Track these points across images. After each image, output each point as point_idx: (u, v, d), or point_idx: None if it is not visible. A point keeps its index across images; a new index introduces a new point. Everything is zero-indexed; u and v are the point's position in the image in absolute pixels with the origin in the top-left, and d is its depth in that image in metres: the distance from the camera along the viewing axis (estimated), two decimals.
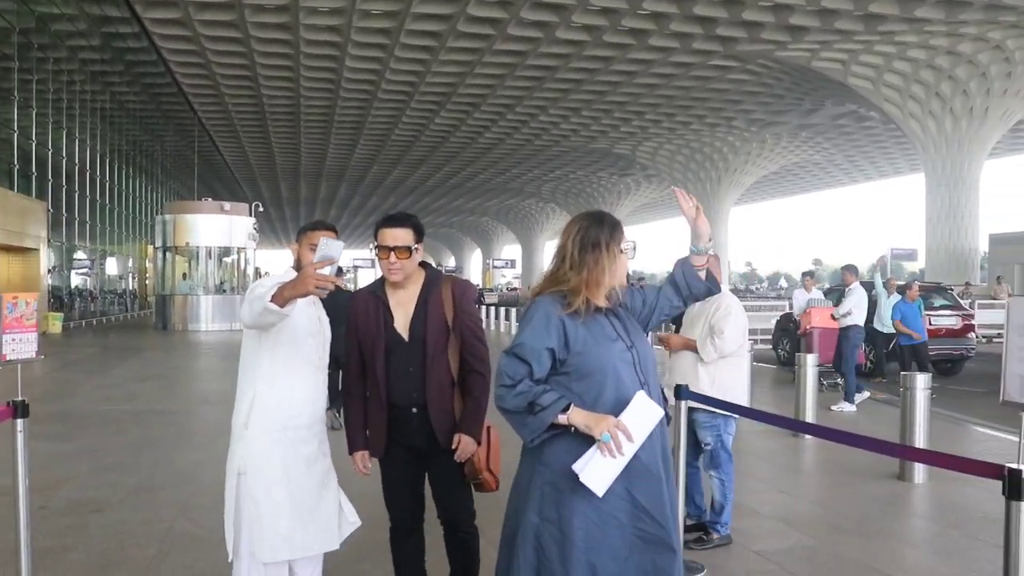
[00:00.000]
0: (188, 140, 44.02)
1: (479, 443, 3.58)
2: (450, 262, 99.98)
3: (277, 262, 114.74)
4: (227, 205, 31.36)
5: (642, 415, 2.73)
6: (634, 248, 2.95)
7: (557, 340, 2.79)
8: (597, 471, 2.66)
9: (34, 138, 27.34)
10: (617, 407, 2.72)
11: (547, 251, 77.01)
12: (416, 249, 3.55)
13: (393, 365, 3.55)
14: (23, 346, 4.31)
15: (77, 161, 32.33)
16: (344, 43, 28.31)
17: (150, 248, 40.24)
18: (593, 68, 31.22)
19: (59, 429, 9.12)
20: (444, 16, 26.01)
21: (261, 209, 35.43)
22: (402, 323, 3.57)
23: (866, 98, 31.71)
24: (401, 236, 3.50)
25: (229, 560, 3.43)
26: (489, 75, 32.24)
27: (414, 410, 3.54)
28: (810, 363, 9.43)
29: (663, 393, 3.10)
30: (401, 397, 3.55)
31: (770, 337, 18.59)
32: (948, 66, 29.26)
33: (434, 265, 4.04)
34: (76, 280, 35.90)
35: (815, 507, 6.43)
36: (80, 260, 35.75)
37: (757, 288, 66.39)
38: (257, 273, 32.81)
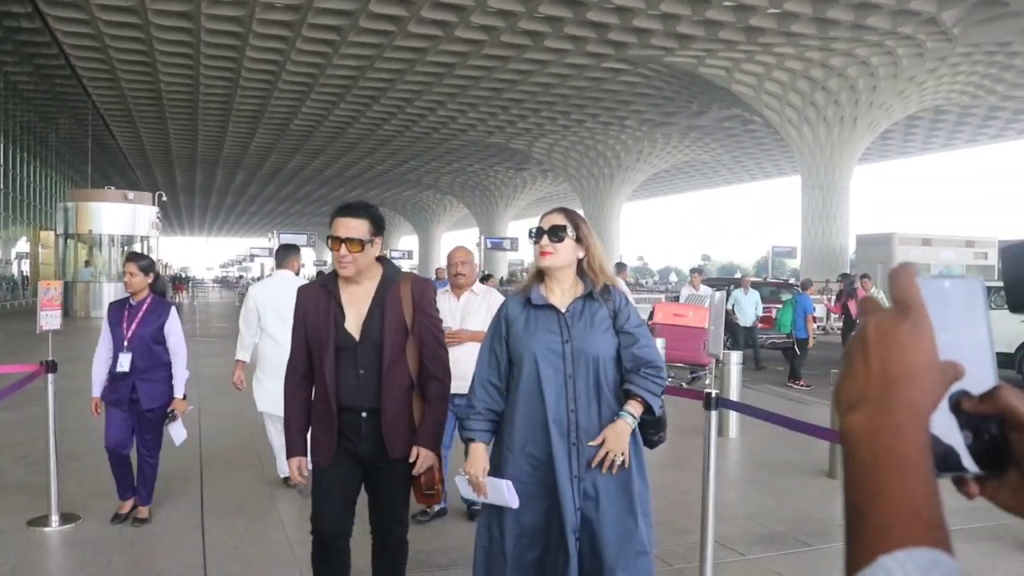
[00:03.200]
0: (83, 125, 43.29)
1: (438, 455, 3.39)
2: None
3: (177, 252, 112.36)
4: (131, 194, 31.42)
5: (499, 493, 3.04)
6: (537, 229, 3.16)
7: (504, 328, 3.19)
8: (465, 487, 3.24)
9: None
10: (539, 393, 3.03)
11: (444, 242, 77.95)
12: (373, 243, 3.33)
13: (342, 367, 3.31)
14: (52, 320, 5.36)
15: None
16: (245, 33, 28.62)
17: (43, 234, 39.63)
18: (491, 66, 32.30)
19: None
20: (346, 11, 26.68)
21: (165, 198, 35.40)
22: (354, 322, 3.33)
23: (748, 104, 33.64)
24: (355, 227, 3.27)
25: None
26: (389, 70, 32.97)
27: (363, 414, 3.33)
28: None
29: (628, 397, 3.15)
30: (349, 400, 3.32)
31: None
32: (822, 77, 31.36)
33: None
34: None
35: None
36: None
37: (647, 282, 68.40)
38: (165, 267, 32.92)
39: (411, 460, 3.32)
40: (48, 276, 40.09)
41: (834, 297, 19.07)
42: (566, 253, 3.13)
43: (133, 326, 5.54)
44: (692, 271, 15.97)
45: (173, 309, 5.72)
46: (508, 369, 3.15)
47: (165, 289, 6.01)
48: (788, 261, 57.23)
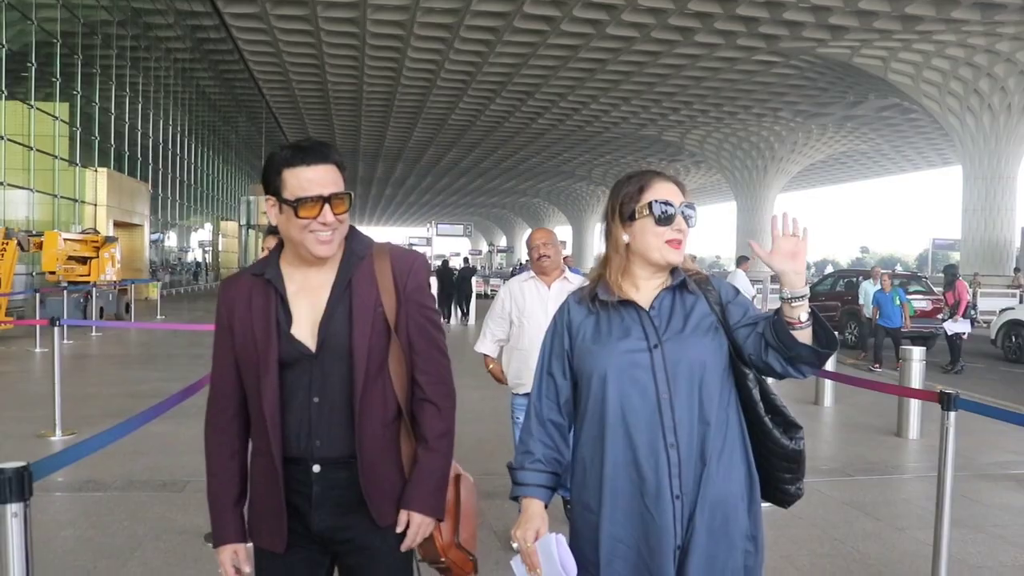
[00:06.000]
0: (257, 125, 46.61)
1: (440, 518, 2.20)
2: (501, 241, 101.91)
3: None
4: None
5: (550, 560, 2.07)
6: (667, 207, 2.13)
7: (560, 345, 2.25)
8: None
9: (139, 127, 30.12)
10: (624, 424, 2.08)
11: (597, 232, 78.52)
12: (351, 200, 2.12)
13: (291, 393, 2.07)
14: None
15: (169, 146, 35.09)
16: (407, 36, 30.23)
17: (226, 224, 42.97)
18: (642, 61, 32.75)
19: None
20: (501, 13, 27.78)
21: None
22: (307, 323, 2.09)
23: (906, 94, 32.76)
24: (332, 177, 2.05)
25: None
26: (543, 66, 33.93)
27: (315, 468, 2.07)
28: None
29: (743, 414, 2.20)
30: (299, 446, 2.07)
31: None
32: (986, 64, 30.21)
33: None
34: (163, 253, 38.66)
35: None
36: (165, 235, 38.50)
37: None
38: None
39: (399, 530, 2.12)
40: (230, 263, 43.52)
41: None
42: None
43: None
44: (739, 259, 15.87)
45: None
46: (574, 397, 2.25)
47: None
48: (951, 254, 54.88)
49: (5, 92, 20.86)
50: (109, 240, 21.10)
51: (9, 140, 21.15)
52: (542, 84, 36.90)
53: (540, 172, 66.57)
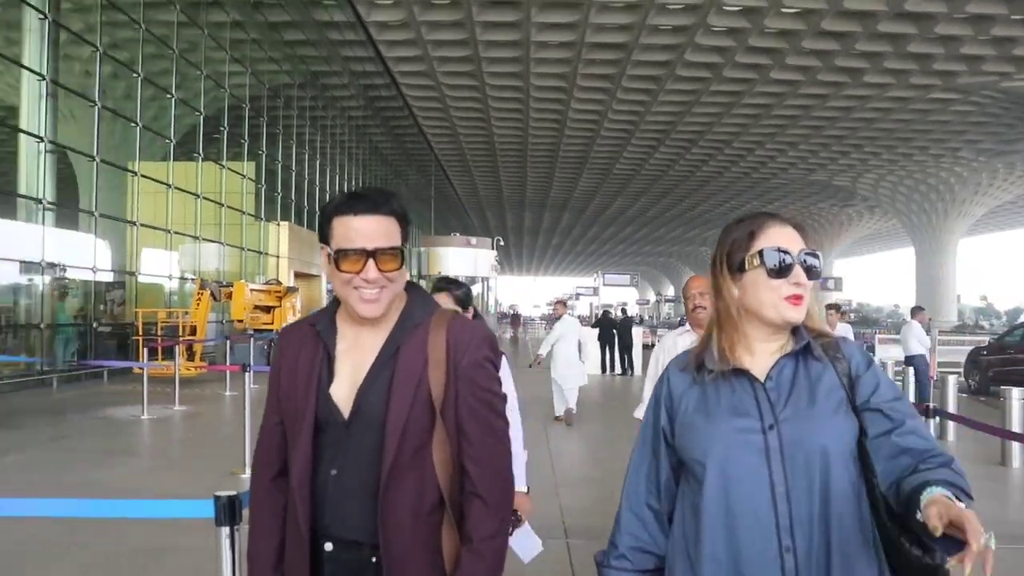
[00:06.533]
0: (426, 177, 48.35)
1: None
2: (669, 291, 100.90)
3: (513, 289, 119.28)
4: (473, 240, 35.21)
5: None
6: (783, 256, 1.78)
7: (658, 420, 1.91)
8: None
9: (316, 182, 32.11)
10: (728, 520, 1.72)
11: None
12: (403, 257, 1.91)
13: (317, 459, 1.87)
14: None
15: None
16: (570, 87, 30.81)
17: None
18: (808, 104, 32.06)
19: None
20: (663, 63, 27.92)
21: (502, 243, 38.81)
22: (346, 386, 1.88)
23: None
24: (384, 230, 1.85)
25: None
26: (707, 113, 33.76)
27: (327, 547, 1.87)
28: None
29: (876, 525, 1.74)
30: (317, 519, 1.86)
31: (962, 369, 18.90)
32: None
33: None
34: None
35: None
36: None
37: (992, 324, 60.67)
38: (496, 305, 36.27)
39: None
40: None
41: None
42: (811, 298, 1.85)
43: None
44: (914, 309, 15.22)
45: (504, 359, 3.35)
46: (675, 482, 1.89)
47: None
48: None
49: (201, 154, 22.62)
50: (291, 290, 22.39)
51: (204, 198, 22.87)
52: (706, 131, 36.68)
53: (706, 219, 65.78)
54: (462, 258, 33.96)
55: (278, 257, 27.23)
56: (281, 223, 27.65)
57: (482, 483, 1.84)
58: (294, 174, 30.27)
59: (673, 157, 42.55)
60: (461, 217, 66.47)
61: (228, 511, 2.66)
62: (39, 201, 16.03)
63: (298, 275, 28.20)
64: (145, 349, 14.34)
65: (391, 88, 33.03)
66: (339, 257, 1.83)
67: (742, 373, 1.80)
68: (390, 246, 1.83)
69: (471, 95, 32.55)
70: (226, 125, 24.34)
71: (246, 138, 25.82)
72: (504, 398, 1.96)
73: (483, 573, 1.81)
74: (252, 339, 18.06)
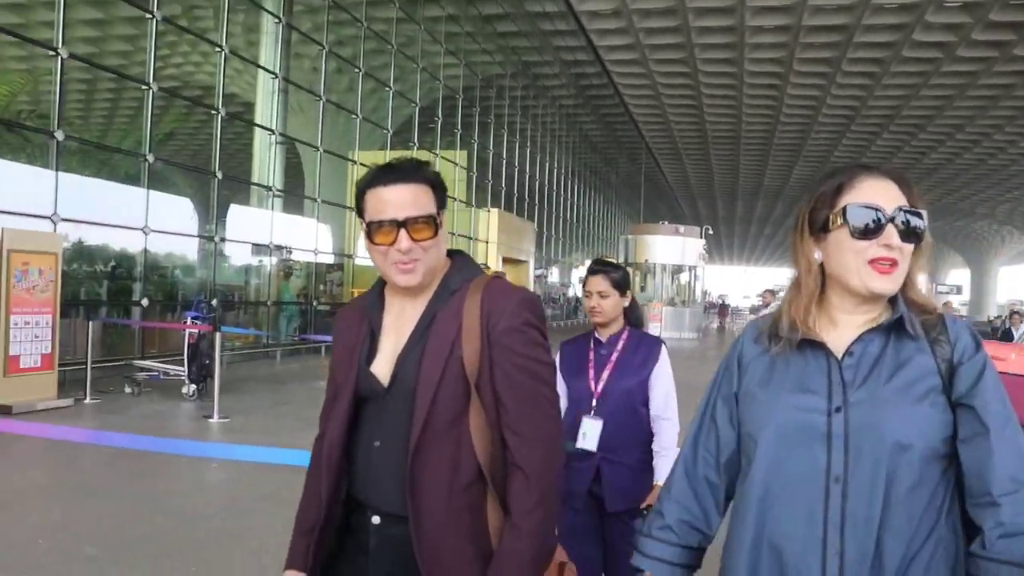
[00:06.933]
0: (636, 165, 48.21)
1: None
2: None
3: (723, 279, 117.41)
4: (682, 228, 34.82)
5: None
6: (872, 212, 1.54)
7: (728, 386, 1.73)
8: None
9: (526, 170, 32.89)
10: (771, 506, 1.53)
11: (999, 276, 71.19)
12: (439, 222, 1.86)
13: (360, 431, 1.86)
14: None
15: (553, 186, 37.73)
16: (786, 72, 29.73)
17: None
18: None
19: None
20: (887, 44, 26.40)
21: (712, 232, 38.19)
22: (388, 358, 1.86)
23: None
24: (413, 198, 1.80)
25: None
26: (937, 96, 31.62)
27: (374, 519, 1.82)
28: None
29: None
30: (362, 491, 1.84)
31: None
32: None
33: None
34: (546, 288, 41.27)
35: None
36: (548, 271, 41.08)
37: None
38: (704, 295, 35.84)
39: None
40: None
41: None
42: (908, 265, 1.58)
43: (605, 376, 3.30)
44: (1012, 312, 13.99)
45: (663, 349, 3.40)
46: (737, 455, 1.70)
47: (642, 318, 3.54)
48: None
49: (416, 144, 23.64)
50: (498, 275, 23.00)
51: None
52: (935, 115, 34.36)
53: (933, 210, 61.77)
54: (670, 246, 33.50)
55: (487, 242, 28.04)
56: (491, 209, 28.43)
57: (521, 454, 1.75)
58: (504, 162, 31.04)
59: (897, 144, 40.16)
60: (671, 205, 65.79)
61: None
62: (269, 188, 17.34)
63: (506, 260, 28.90)
64: None
65: (602, 76, 33.14)
66: (372, 229, 1.80)
67: (818, 346, 1.58)
68: (422, 214, 1.78)
69: (683, 82, 32.12)
70: (440, 115, 25.29)
71: (459, 127, 26.72)
72: (550, 365, 1.84)
73: (522, 548, 1.71)
74: None
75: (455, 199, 26.56)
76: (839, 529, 1.46)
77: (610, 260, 3.51)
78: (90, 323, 10.89)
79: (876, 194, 1.55)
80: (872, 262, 1.52)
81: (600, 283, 3.31)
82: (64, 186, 11.85)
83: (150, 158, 13.38)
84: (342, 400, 1.85)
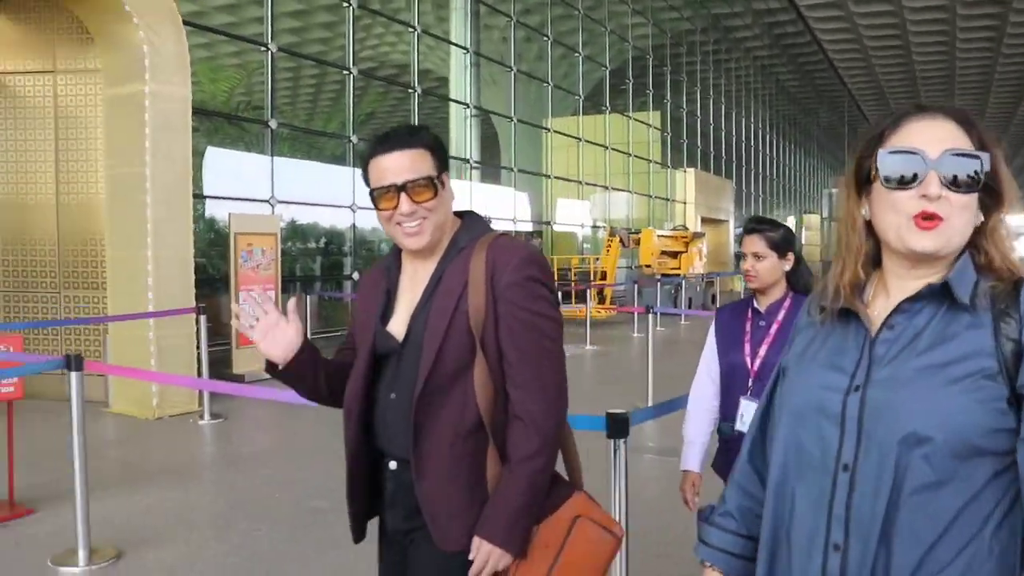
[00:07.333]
0: (838, 113, 45.95)
1: (516, 553, 1.83)
2: None
3: None
4: None
5: None
6: (907, 157, 1.28)
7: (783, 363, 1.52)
8: None
9: (722, 126, 32.19)
10: (785, 493, 1.37)
11: None
12: (442, 183, 1.93)
13: (380, 384, 1.97)
14: None
15: (751, 142, 36.62)
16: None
17: (808, 217, 43.28)
18: None
19: None
20: None
21: None
22: (403, 316, 1.98)
23: None
24: (411, 162, 1.88)
25: None
26: None
27: (391, 465, 1.96)
28: None
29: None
30: (383, 440, 1.97)
31: None
32: None
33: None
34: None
35: None
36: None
37: None
38: None
39: (470, 557, 1.83)
40: (812, 257, 43.72)
41: None
42: (965, 219, 1.28)
43: (762, 351, 2.94)
44: None
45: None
46: None
47: (811, 284, 3.00)
48: None
49: (608, 107, 23.48)
50: (697, 236, 22.59)
51: (612, 149, 23.76)
52: None
53: None
54: None
55: (685, 203, 27.57)
56: (688, 170, 27.94)
57: (521, 405, 1.82)
58: (699, 120, 30.34)
59: None
60: None
61: (620, 426, 3.01)
62: (467, 161, 17.73)
63: (705, 220, 28.33)
64: (560, 293, 15.34)
65: (797, 23, 31.76)
66: (375, 197, 1.90)
67: (853, 316, 1.35)
68: (419, 176, 1.86)
69: (888, 21, 30.21)
70: (631, 77, 25.00)
71: (651, 88, 26.31)
72: (554, 320, 1.88)
73: (517, 492, 1.79)
74: (659, 283, 18.52)
75: (650, 160, 26.22)
76: (843, 523, 1.27)
77: (769, 218, 3.14)
78: (307, 297, 11.53)
79: (921, 136, 1.28)
80: (916, 217, 1.25)
81: (755, 243, 2.97)
82: (278, 171, 12.61)
83: (354, 139, 14.00)
84: (362, 358, 1.97)
